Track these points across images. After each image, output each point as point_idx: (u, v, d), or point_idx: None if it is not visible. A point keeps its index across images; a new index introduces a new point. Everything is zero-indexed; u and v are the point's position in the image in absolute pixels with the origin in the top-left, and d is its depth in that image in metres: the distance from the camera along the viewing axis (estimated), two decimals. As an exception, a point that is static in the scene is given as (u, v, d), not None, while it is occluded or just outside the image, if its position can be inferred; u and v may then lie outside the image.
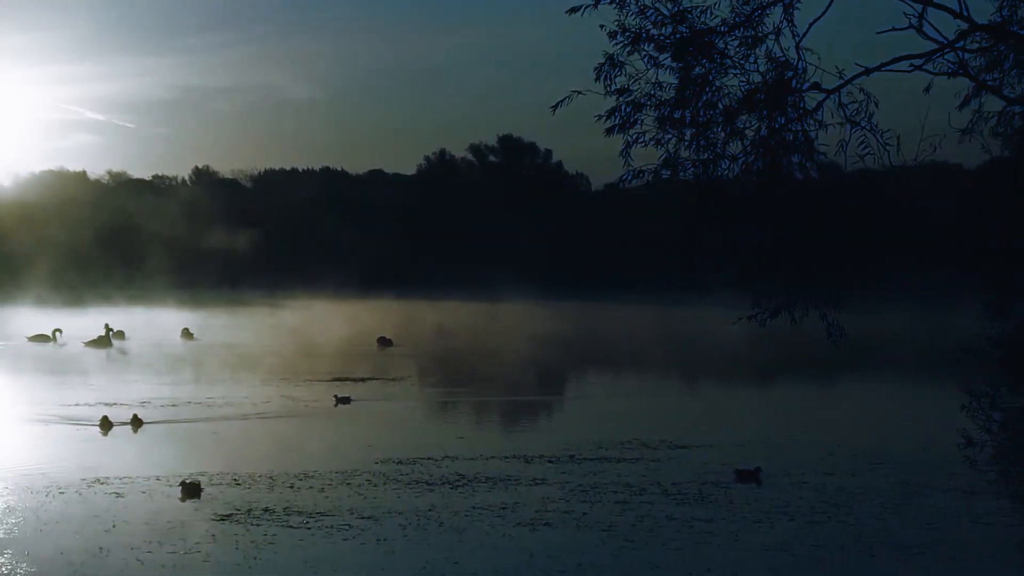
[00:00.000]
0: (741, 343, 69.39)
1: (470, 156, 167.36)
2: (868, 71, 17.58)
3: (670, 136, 19.34)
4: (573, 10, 19.71)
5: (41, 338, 67.39)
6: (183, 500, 25.93)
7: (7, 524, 23.51)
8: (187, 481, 26.93)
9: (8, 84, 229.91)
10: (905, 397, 47.05)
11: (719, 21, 18.36)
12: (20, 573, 20.30)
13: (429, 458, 30.70)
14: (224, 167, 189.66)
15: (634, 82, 19.77)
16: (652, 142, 20.31)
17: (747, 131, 18.59)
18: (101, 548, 21.75)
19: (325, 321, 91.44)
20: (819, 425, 38.04)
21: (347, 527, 23.30)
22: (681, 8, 18.91)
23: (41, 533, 22.91)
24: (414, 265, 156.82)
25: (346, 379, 50.68)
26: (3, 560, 20.99)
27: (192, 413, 39.29)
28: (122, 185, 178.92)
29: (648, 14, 19.71)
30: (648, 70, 19.58)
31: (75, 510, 24.81)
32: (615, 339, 79.77)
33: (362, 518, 24.02)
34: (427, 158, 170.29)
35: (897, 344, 71.81)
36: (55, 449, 32.25)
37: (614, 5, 19.07)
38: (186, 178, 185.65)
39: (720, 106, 18.74)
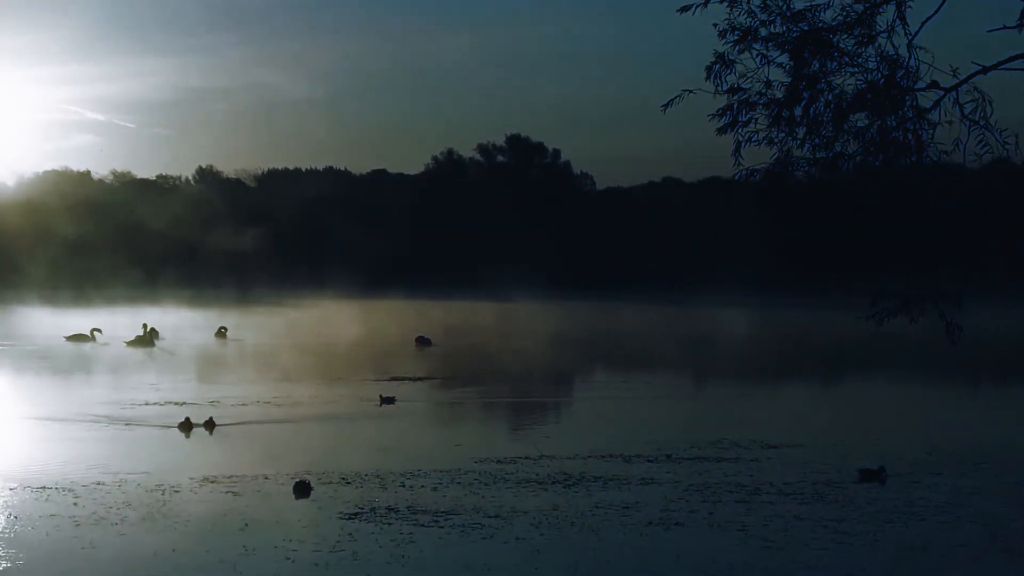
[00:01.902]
0: (793, 341, 69.86)
1: (478, 156, 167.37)
2: (985, 69, 17.70)
3: (782, 135, 19.48)
4: (684, 9, 19.84)
5: (80, 338, 67.30)
6: (298, 499, 25.93)
7: (139, 524, 23.48)
8: (299, 480, 26.98)
9: (8, 84, 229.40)
10: (1000, 396, 47.45)
11: (831, 19, 18.55)
12: (180, 574, 20.32)
13: (525, 457, 30.75)
14: (227, 167, 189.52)
15: (744, 80, 19.91)
16: (764, 141, 20.45)
17: (860, 130, 18.76)
18: (245, 547, 21.75)
19: (347, 321, 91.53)
20: (909, 423, 38.29)
21: (479, 526, 23.32)
22: (793, 8, 19.07)
23: (178, 531, 22.90)
24: (421, 265, 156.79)
25: (398, 378, 50.73)
26: (158, 560, 20.99)
27: (260, 413, 39.24)
28: (126, 185, 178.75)
29: (759, 12, 19.85)
30: (760, 68, 19.71)
31: (199, 509, 24.80)
32: (642, 338, 79.88)
33: (490, 517, 24.04)
34: (435, 158, 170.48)
35: (998, 342, 72.14)
36: (146, 450, 32.23)
37: (725, 3, 19.23)
38: (190, 178, 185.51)
39: (833, 105, 18.90)
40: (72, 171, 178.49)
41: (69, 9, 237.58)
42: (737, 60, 20.26)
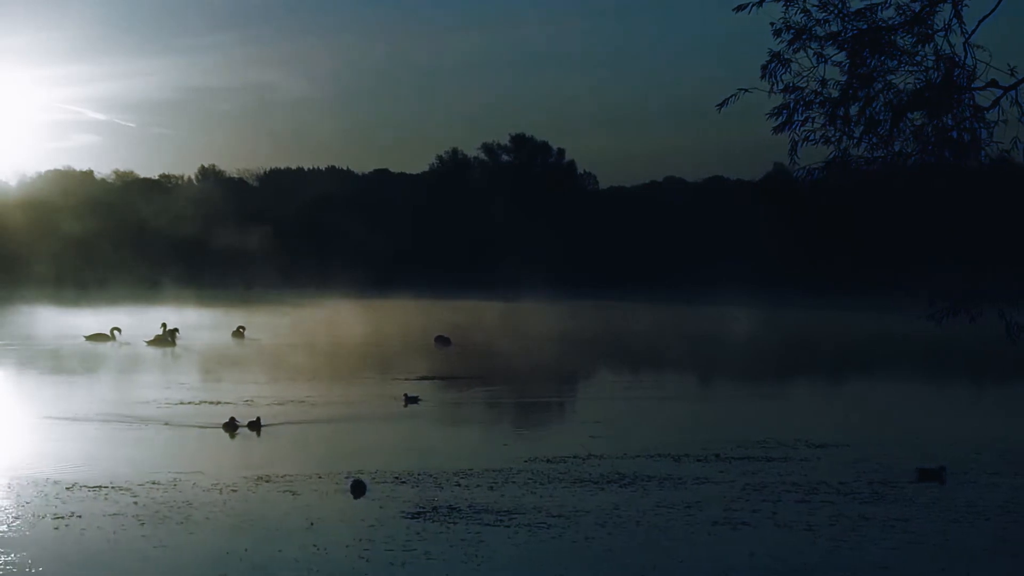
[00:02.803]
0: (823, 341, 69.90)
1: (482, 155, 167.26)
2: (1048, 68, 17.74)
3: (839, 134, 19.50)
4: (740, 8, 19.85)
5: (100, 337, 67.20)
6: (355, 498, 25.89)
7: (205, 524, 23.46)
8: (355, 479, 26.98)
9: (9, 84, 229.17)
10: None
11: (888, 18, 18.57)
12: (260, 573, 20.30)
13: (574, 457, 30.73)
14: (229, 167, 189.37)
15: (799, 78, 19.91)
16: (821, 140, 20.45)
17: (917, 129, 18.78)
18: (316, 547, 21.72)
19: (357, 321, 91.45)
20: (951, 423, 38.35)
21: (545, 525, 23.30)
22: (849, 7, 19.08)
23: (245, 530, 22.88)
24: (425, 264, 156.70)
25: (425, 378, 50.74)
26: (233, 559, 20.97)
27: (299, 412, 39.13)
28: (129, 184, 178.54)
29: (814, 11, 19.86)
30: (816, 66, 19.73)
31: (260, 508, 24.78)
32: (654, 337, 79.75)
33: (553, 516, 24.01)
34: (439, 157, 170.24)
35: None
36: (194, 449, 32.21)
37: (781, 2, 19.25)
38: (192, 177, 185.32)
39: (890, 103, 18.92)
40: (75, 171, 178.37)
41: (70, 9, 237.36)
42: (793, 59, 20.29)
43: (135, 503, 25.02)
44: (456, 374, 53.08)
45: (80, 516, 23.81)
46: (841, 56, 19.44)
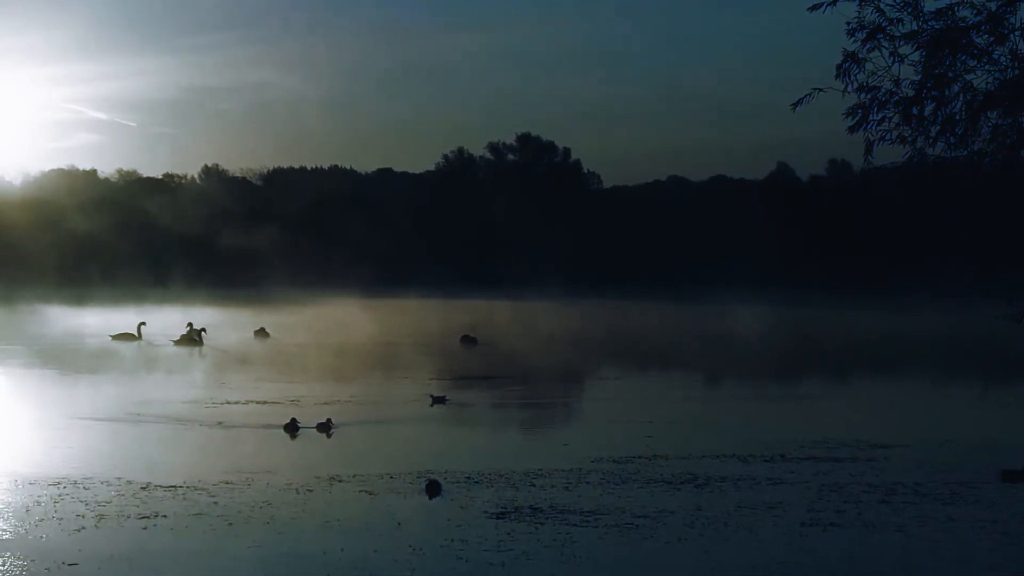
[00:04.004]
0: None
1: (488, 154, 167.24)
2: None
3: (915, 133, 19.48)
4: (814, 7, 19.85)
5: (126, 336, 67.05)
6: (431, 498, 25.80)
7: (293, 524, 23.35)
8: (430, 479, 26.90)
9: (10, 83, 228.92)
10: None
11: (964, 17, 18.58)
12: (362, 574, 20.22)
13: (639, 457, 30.66)
14: (231, 166, 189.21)
15: (873, 78, 19.90)
16: (896, 140, 20.43)
17: (995, 127, 18.79)
18: (411, 547, 21.62)
19: (373, 320, 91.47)
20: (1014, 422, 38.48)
21: (633, 526, 23.21)
22: (923, 6, 19.08)
23: (335, 531, 22.78)
24: (431, 264, 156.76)
25: (463, 377, 50.76)
26: (332, 559, 20.88)
27: (350, 413, 38.89)
28: (133, 184, 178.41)
29: (888, 11, 19.83)
30: (892, 65, 19.71)
31: (342, 508, 24.65)
32: (674, 336, 79.76)
33: (638, 516, 23.92)
34: (445, 156, 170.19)
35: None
36: (259, 451, 31.98)
37: (855, 2, 19.26)
38: (196, 176, 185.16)
39: (968, 102, 18.91)
40: (78, 170, 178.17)
41: (71, 8, 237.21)
42: (867, 58, 20.26)
43: (215, 503, 24.90)
44: (493, 374, 53.00)
45: (165, 516, 23.69)
46: (916, 55, 19.43)
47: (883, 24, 20.03)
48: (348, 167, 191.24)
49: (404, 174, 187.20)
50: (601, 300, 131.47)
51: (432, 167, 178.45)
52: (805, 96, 20.64)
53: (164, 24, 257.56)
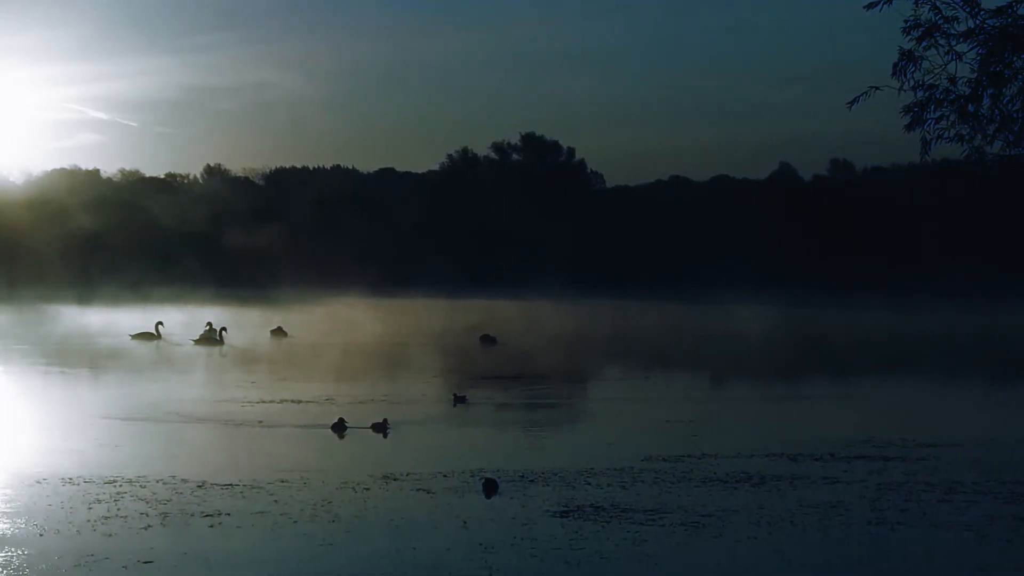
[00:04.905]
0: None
1: (492, 154, 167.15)
2: None
3: (972, 131, 19.45)
4: (871, 5, 19.83)
5: (146, 336, 66.94)
6: (488, 497, 25.72)
7: (357, 522, 23.27)
8: (488, 478, 26.83)
9: (11, 83, 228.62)
10: None
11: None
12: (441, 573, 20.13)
13: (688, 456, 30.58)
14: (233, 166, 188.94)
15: (928, 76, 19.86)
16: (954, 138, 20.38)
17: None
18: (482, 545, 21.54)
19: (384, 319, 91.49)
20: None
21: (700, 525, 23.12)
22: (979, 4, 19.07)
23: (403, 529, 22.69)
24: (434, 263, 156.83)
25: (491, 376, 50.67)
26: (406, 557, 20.80)
27: (388, 413, 38.71)
28: (136, 183, 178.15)
29: (944, 9, 19.79)
30: (947, 63, 19.66)
31: (405, 506, 24.54)
32: (689, 336, 79.68)
33: (703, 515, 23.82)
34: (450, 156, 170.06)
35: None
36: (307, 450, 31.86)
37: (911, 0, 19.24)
38: (198, 176, 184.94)
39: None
40: (81, 169, 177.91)
41: (72, 8, 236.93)
42: (923, 56, 20.22)
43: (275, 501, 24.80)
44: (514, 373, 52.92)
45: (229, 514, 23.58)
46: (972, 53, 19.41)
47: (939, 22, 20.01)
48: (350, 167, 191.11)
49: (406, 174, 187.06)
50: (603, 300, 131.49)
51: (435, 167, 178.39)
52: (861, 94, 20.62)
53: (165, 24, 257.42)
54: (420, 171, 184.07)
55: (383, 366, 55.77)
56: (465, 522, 23.27)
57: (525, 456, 30.69)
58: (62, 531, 22.12)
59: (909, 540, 22.13)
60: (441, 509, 24.37)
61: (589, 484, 26.82)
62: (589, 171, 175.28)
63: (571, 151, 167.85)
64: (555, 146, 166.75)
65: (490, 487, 26.31)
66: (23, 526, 22.44)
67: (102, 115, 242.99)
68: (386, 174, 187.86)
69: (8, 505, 24.24)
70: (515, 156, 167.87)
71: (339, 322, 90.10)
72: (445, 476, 27.66)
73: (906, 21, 20.31)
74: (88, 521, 22.85)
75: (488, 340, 67.59)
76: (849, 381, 53.73)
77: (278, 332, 72.21)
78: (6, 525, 22.53)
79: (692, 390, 49.09)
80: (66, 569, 19.63)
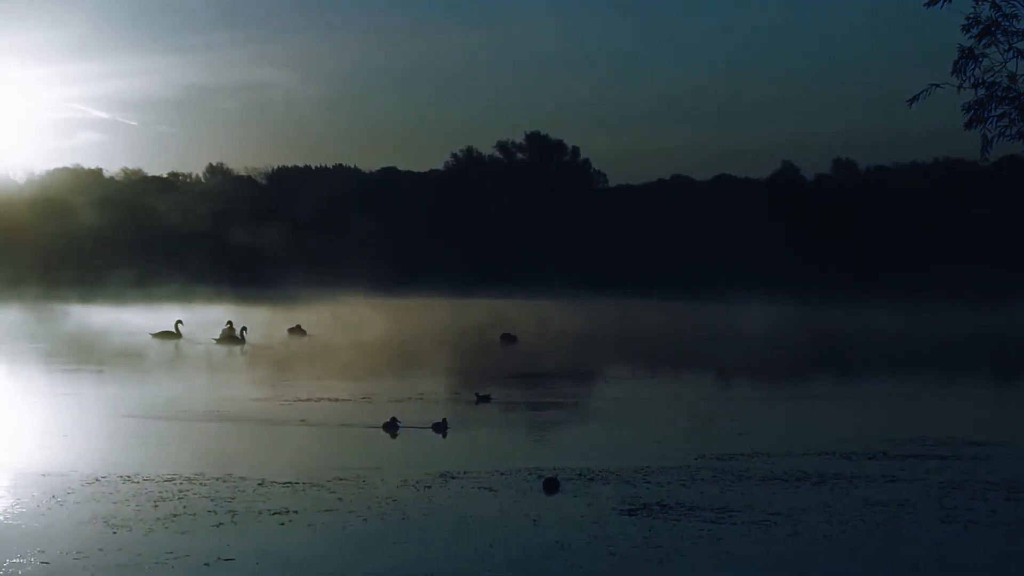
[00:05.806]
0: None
1: (497, 153, 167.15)
2: None
3: None
4: (931, 3, 19.78)
5: (167, 335, 66.80)
6: (548, 495, 25.62)
7: (424, 520, 23.14)
8: (549, 476, 26.75)
9: (12, 82, 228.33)
10: None
11: None
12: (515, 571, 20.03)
13: (742, 454, 30.46)
14: (235, 165, 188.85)
15: (988, 74, 19.83)
16: (1016, 135, 20.34)
17: None
18: (559, 543, 21.42)
19: (397, 318, 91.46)
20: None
21: (772, 523, 22.98)
22: None
23: (471, 527, 22.57)
24: (438, 262, 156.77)
25: (518, 375, 50.57)
26: (479, 556, 20.69)
27: (435, 412, 38.61)
28: (138, 182, 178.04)
29: (1004, 6, 19.77)
30: (1007, 61, 19.65)
31: (470, 504, 24.41)
32: (706, 334, 79.63)
33: (771, 514, 23.68)
34: (454, 155, 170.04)
35: None
36: (359, 448, 31.76)
37: None
38: (200, 175, 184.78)
39: None
40: (84, 168, 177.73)
41: (73, 8, 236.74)
42: (983, 54, 20.18)
43: (339, 499, 24.66)
44: (541, 371, 52.85)
45: (296, 512, 23.45)
46: None
47: (999, 19, 19.97)
48: (352, 166, 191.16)
49: (409, 173, 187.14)
50: (605, 299, 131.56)
51: (439, 166, 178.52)
52: (921, 92, 20.56)
53: (166, 23, 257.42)
54: (423, 170, 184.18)
55: (412, 365, 55.75)
56: (535, 520, 23.15)
57: (576, 454, 30.56)
58: (135, 528, 21.98)
59: (984, 539, 22.05)
60: (507, 507, 24.25)
61: (649, 482, 26.71)
62: (592, 170, 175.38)
63: (575, 150, 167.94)
64: (559, 145, 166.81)
65: (551, 486, 26.20)
66: (93, 524, 22.29)
67: (103, 114, 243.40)
68: (388, 173, 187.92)
69: (73, 503, 24.10)
70: (519, 155, 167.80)
71: (349, 321, 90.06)
72: (503, 475, 27.54)
73: (967, 19, 20.25)
74: (158, 519, 22.71)
75: (509, 338, 67.58)
76: (871, 380, 53.75)
77: (296, 331, 72.13)
78: (75, 522, 22.40)
79: (721, 388, 49.11)
80: (149, 567, 19.49)
